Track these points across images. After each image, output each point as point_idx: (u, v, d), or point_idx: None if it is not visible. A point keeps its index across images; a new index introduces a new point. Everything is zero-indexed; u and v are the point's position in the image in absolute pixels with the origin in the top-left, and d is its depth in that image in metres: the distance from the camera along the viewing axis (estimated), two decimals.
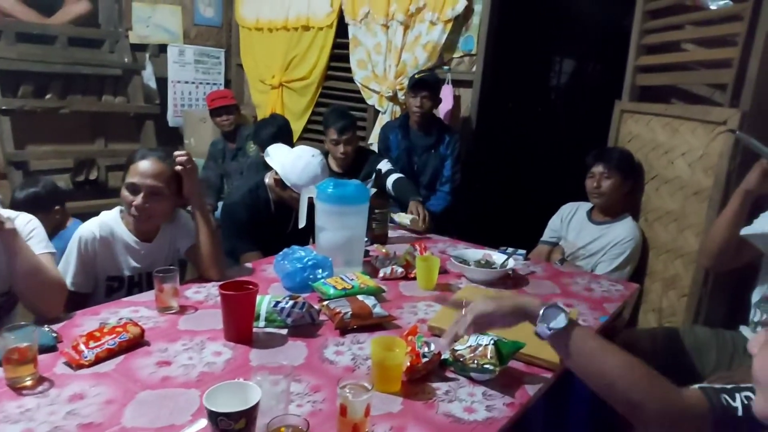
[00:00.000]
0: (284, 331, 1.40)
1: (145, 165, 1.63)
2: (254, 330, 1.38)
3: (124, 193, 1.64)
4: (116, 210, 1.73)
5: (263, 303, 1.41)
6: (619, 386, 0.93)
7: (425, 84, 2.97)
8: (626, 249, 2.35)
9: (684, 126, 2.23)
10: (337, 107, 3.25)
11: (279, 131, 3.03)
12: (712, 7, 2.50)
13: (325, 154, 3.02)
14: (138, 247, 1.70)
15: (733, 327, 1.88)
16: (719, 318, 2.09)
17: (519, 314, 1.05)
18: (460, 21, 3.38)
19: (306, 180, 2.05)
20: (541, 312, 1.01)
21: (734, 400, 0.88)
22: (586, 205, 2.61)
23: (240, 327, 1.33)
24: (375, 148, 3.41)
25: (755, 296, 1.75)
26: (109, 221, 1.69)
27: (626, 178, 2.44)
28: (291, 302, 1.38)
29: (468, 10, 3.34)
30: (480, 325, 1.08)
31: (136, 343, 1.30)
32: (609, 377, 0.94)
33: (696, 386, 0.91)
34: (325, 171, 2.14)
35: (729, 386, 0.88)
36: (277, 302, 1.39)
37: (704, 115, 2.12)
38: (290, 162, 2.10)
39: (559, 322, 0.99)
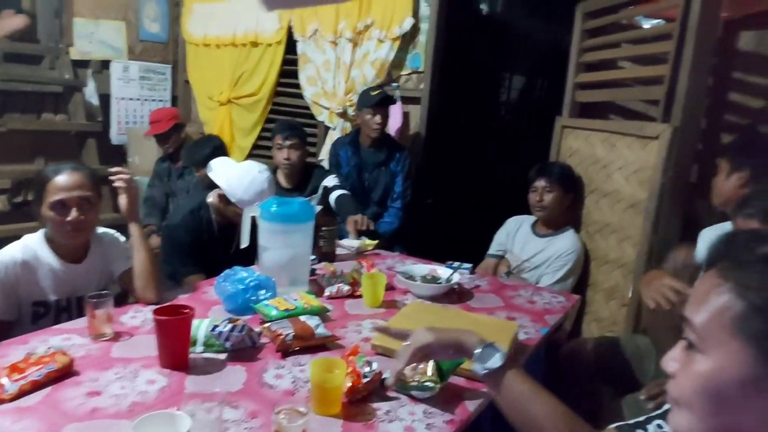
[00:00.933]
0: (223, 356, 1.36)
1: (65, 179, 1.58)
2: (191, 355, 1.34)
3: (50, 213, 1.57)
4: (40, 233, 1.66)
5: (201, 327, 1.37)
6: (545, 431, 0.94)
7: (386, 101, 2.99)
8: (569, 261, 2.41)
9: (621, 141, 2.31)
10: (284, 120, 3.24)
11: (214, 152, 2.90)
12: (645, 26, 2.62)
13: (274, 171, 3.00)
14: (65, 270, 1.64)
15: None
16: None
17: (458, 349, 1.05)
18: (408, 39, 3.42)
19: (252, 195, 2.02)
20: (478, 351, 1.01)
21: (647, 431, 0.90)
22: (530, 219, 2.67)
23: (175, 353, 1.29)
24: (326, 164, 3.41)
25: None
26: (33, 244, 1.62)
27: (567, 191, 2.51)
28: (229, 326, 1.35)
29: (415, 28, 3.40)
30: (421, 357, 1.08)
31: (65, 373, 1.24)
32: (536, 422, 0.95)
33: (612, 426, 0.93)
34: (272, 187, 2.11)
35: (642, 419, 0.91)
36: (215, 326, 1.35)
37: (639, 130, 2.21)
38: (236, 177, 2.06)
39: (495, 362, 0.99)
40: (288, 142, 2.83)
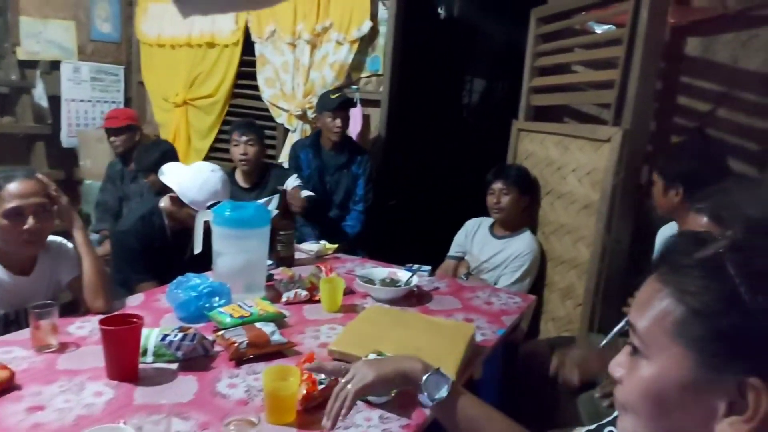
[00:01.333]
0: (174, 366, 1.33)
1: (18, 186, 1.52)
2: (141, 366, 1.29)
3: (3, 222, 1.50)
4: None
5: (151, 336, 1.33)
6: None
7: (346, 105, 2.98)
8: (525, 262, 2.45)
9: (574, 143, 2.36)
10: (241, 120, 3.21)
11: (163, 157, 2.79)
12: (598, 31, 2.68)
13: (232, 171, 2.96)
14: (12, 282, 1.57)
15: (626, 333, 1.99)
16: (612, 325, 2.21)
17: (401, 381, 1.00)
18: (367, 41, 3.43)
19: (206, 195, 1.98)
20: (423, 380, 0.97)
21: None
22: (488, 220, 2.70)
23: (123, 364, 1.24)
24: (286, 167, 3.37)
25: None
26: None
27: (523, 193, 2.55)
28: (180, 335, 1.31)
29: (374, 31, 3.40)
30: (361, 394, 1.02)
31: (5, 388, 1.18)
32: None
33: None
34: (227, 186, 2.07)
35: (593, 426, 0.92)
36: (165, 335, 1.31)
37: (591, 133, 2.25)
38: (188, 178, 2.01)
39: (442, 392, 0.95)
40: (244, 138, 2.84)
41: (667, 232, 1.98)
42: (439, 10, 4.20)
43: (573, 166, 2.35)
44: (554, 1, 2.72)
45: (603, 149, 2.16)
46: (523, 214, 2.59)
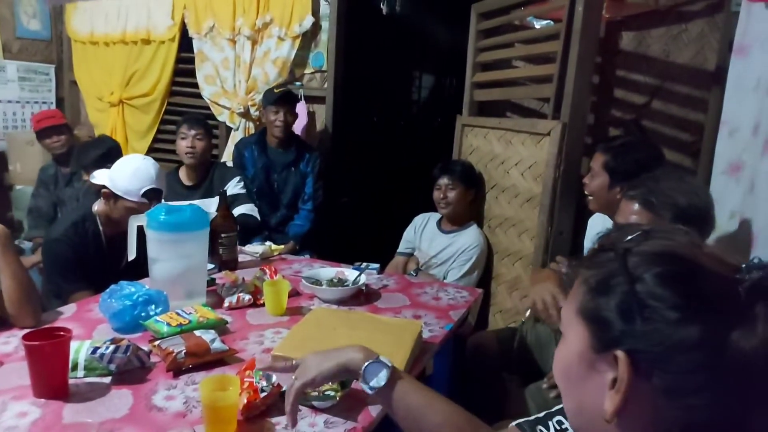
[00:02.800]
0: (107, 380, 1.26)
1: None
2: (72, 381, 1.22)
3: None
4: None
5: (81, 350, 1.26)
6: None
7: (288, 98, 2.91)
8: (473, 255, 2.47)
9: (516, 138, 2.39)
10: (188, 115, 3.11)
11: (108, 154, 2.67)
12: (537, 26, 2.73)
13: (176, 169, 2.86)
14: None
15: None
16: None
17: (343, 372, 1.00)
18: (309, 37, 3.37)
19: (139, 182, 1.90)
20: (362, 368, 0.96)
21: (548, 428, 0.91)
22: (436, 216, 2.71)
23: (51, 381, 1.17)
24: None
25: None
26: None
27: (468, 187, 2.57)
28: (112, 347, 1.25)
29: (316, 27, 3.35)
30: (304, 390, 1.02)
31: None
32: (433, 430, 0.93)
33: (513, 423, 0.94)
34: (161, 174, 2.00)
35: (542, 414, 0.92)
36: (96, 348, 1.24)
37: (531, 127, 2.29)
38: (118, 168, 1.92)
39: (380, 379, 0.95)
40: (193, 131, 2.76)
41: (596, 221, 2.02)
42: (381, 6, 4.18)
43: (516, 160, 2.39)
44: None
45: (543, 143, 2.19)
46: (469, 209, 2.61)
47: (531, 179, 2.28)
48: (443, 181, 2.56)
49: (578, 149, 2.19)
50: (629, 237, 0.62)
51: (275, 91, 2.92)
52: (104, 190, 1.94)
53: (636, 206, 1.43)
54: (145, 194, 1.91)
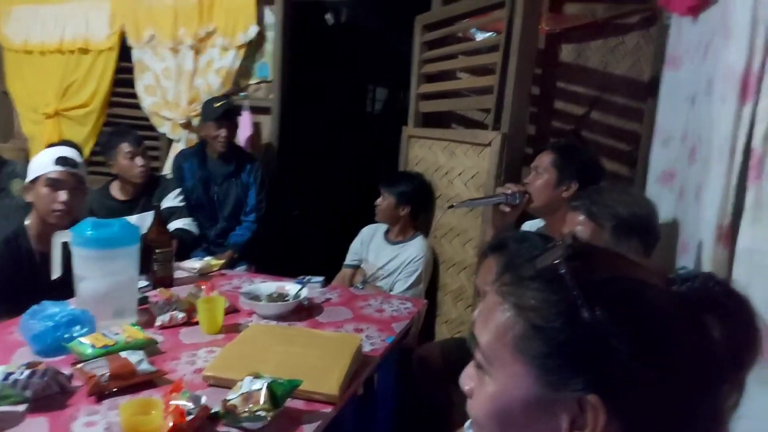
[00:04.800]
0: (23, 407, 1.18)
1: None
2: None
3: None
4: None
5: None
6: None
7: (230, 113, 2.85)
8: (419, 266, 2.46)
9: (459, 148, 2.41)
10: (113, 128, 2.98)
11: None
12: (478, 38, 2.76)
13: (106, 186, 2.75)
14: None
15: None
16: None
17: None
18: (254, 47, 3.33)
19: (47, 155, 1.89)
20: None
21: None
22: (383, 227, 2.70)
23: None
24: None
25: None
26: None
27: (401, 203, 2.55)
28: (28, 371, 1.17)
29: (261, 37, 3.31)
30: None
31: None
32: None
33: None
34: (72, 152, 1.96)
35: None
36: (9, 374, 1.16)
37: (473, 138, 2.31)
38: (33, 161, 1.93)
39: None
40: (140, 148, 2.65)
41: (529, 227, 2.04)
42: (327, 16, 4.16)
43: (459, 170, 2.40)
44: (438, 8, 2.77)
45: (485, 153, 2.21)
46: (411, 220, 2.60)
47: (474, 189, 2.30)
48: (382, 191, 2.58)
49: (518, 159, 2.21)
50: (564, 258, 0.57)
51: (215, 106, 2.83)
52: (26, 186, 1.92)
53: (581, 217, 1.46)
54: (57, 161, 1.87)
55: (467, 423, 1.19)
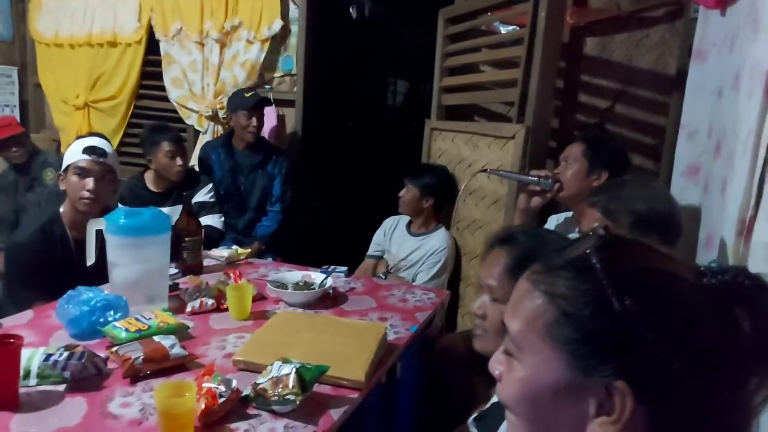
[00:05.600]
0: (62, 388, 1.23)
1: None
2: (24, 390, 1.19)
3: None
4: None
5: (35, 357, 1.23)
6: None
7: (261, 103, 2.89)
8: (441, 258, 2.48)
9: (482, 141, 2.42)
10: (155, 123, 3.04)
11: None
12: (502, 31, 2.76)
13: (140, 176, 2.80)
14: None
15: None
16: None
17: None
18: (278, 40, 3.36)
19: (76, 146, 1.96)
20: None
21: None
22: (405, 218, 2.72)
23: None
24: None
25: None
26: None
27: (424, 195, 2.57)
28: (66, 353, 1.22)
29: (285, 30, 3.34)
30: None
31: None
32: None
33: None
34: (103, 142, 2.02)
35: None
36: (49, 355, 1.22)
37: (497, 131, 2.31)
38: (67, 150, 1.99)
39: None
40: (178, 147, 2.70)
41: (555, 219, 2.05)
42: (351, 11, 4.18)
43: (482, 163, 2.41)
44: (461, 1, 2.77)
45: (508, 146, 2.22)
46: (433, 213, 2.62)
47: (497, 181, 2.31)
48: (406, 183, 2.60)
49: (542, 152, 2.22)
50: (594, 249, 0.58)
51: (246, 95, 2.87)
52: (59, 175, 1.98)
53: (597, 214, 1.46)
54: (85, 151, 1.93)
55: (470, 419, 1.20)
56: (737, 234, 1.31)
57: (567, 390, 0.57)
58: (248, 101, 2.83)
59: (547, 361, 0.58)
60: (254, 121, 2.85)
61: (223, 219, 2.83)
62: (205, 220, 2.67)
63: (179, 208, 2.42)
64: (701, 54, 1.93)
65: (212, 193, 2.82)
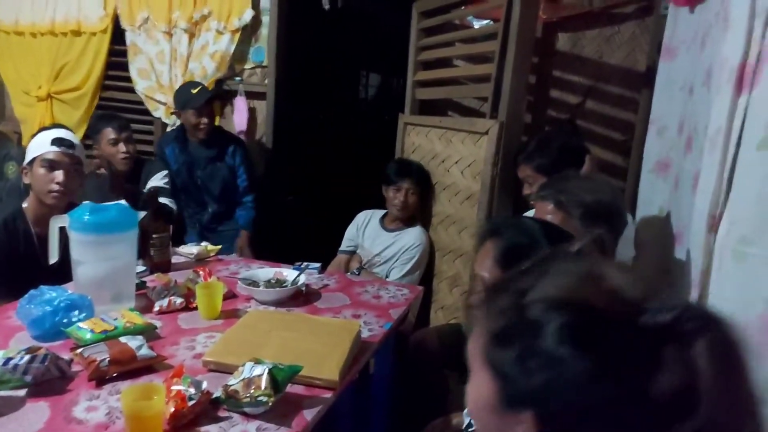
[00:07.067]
0: (23, 392, 1.18)
1: None
2: None
3: None
4: None
5: None
6: None
7: (211, 100, 2.82)
8: (415, 254, 2.47)
9: (456, 136, 2.41)
10: (101, 113, 2.94)
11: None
12: (476, 26, 2.75)
13: (93, 174, 2.73)
14: None
15: None
16: None
17: None
18: (249, 31, 3.29)
19: (44, 137, 1.87)
20: None
21: None
22: (378, 213, 2.70)
23: None
24: None
25: None
26: None
27: (423, 192, 2.56)
28: (27, 356, 1.17)
29: (256, 21, 3.27)
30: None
31: None
32: None
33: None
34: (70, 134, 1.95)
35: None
36: (9, 359, 1.17)
37: (470, 126, 2.31)
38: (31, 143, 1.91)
39: None
40: (124, 134, 2.63)
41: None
42: (323, 1, 4.12)
43: (456, 158, 2.41)
44: None
45: (482, 141, 2.22)
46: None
47: (470, 177, 2.31)
48: (406, 185, 2.52)
49: (515, 148, 2.22)
50: (524, 275, 0.60)
51: (193, 92, 2.76)
52: (23, 168, 1.90)
53: (550, 206, 1.48)
54: (53, 142, 1.86)
55: (466, 409, 1.21)
56: (707, 229, 1.33)
57: (498, 415, 0.59)
58: (196, 99, 2.73)
59: (484, 381, 0.59)
60: (204, 119, 2.76)
61: (175, 206, 2.77)
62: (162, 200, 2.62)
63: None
64: (670, 51, 1.95)
65: (167, 180, 2.75)
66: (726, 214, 1.25)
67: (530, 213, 2.04)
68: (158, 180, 2.68)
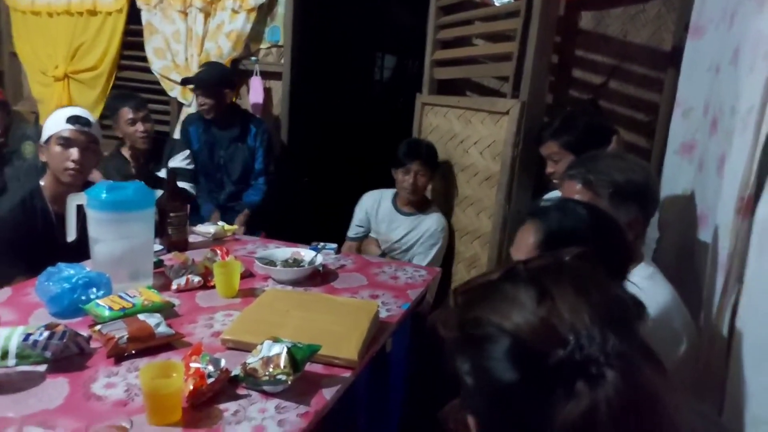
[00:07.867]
0: (43, 368, 1.18)
1: None
2: (2, 371, 1.14)
3: None
4: None
5: (13, 337, 1.17)
6: None
7: (200, 84, 2.82)
8: (438, 239, 2.44)
9: (475, 116, 2.37)
10: (118, 92, 2.95)
11: None
12: (497, 3, 2.69)
13: (116, 152, 2.73)
14: None
15: None
16: None
17: None
18: (265, 11, 3.26)
19: (59, 114, 1.87)
20: None
21: None
22: (387, 193, 2.63)
23: None
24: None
25: None
26: None
27: (434, 173, 2.52)
28: (47, 332, 1.17)
29: (272, 0, 3.24)
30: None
31: None
32: None
33: None
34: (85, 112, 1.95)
35: None
36: (29, 334, 1.17)
37: (490, 106, 2.26)
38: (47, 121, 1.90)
39: None
40: (141, 113, 2.66)
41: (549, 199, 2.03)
42: None
43: (475, 138, 2.36)
44: None
45: (502, 122, 2.17)
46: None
47: (490, 158, 2.27)
48: (415, 166, 2.45)
49: (536, 128, 2.17)
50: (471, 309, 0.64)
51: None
52: (40, 147, 1.91)
53: (578, 185, 1.44)
54: (69, 120, 1.86)
55: None
56: (736, 211, 1.28)
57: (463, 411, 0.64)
58: (194, 80, 2.77)
59: (471, 425, 0.64)
60: (205, 100, 2.78)
61: (194, 190, 2.77)
62: (181, 184, 2.62)
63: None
64: (698, 29, 1.89)
65: (189, 160, 2.76)
66: (764, 195, 1.20)
67: (551, 194, 2.01)
68: (179, 161, 2.68)
